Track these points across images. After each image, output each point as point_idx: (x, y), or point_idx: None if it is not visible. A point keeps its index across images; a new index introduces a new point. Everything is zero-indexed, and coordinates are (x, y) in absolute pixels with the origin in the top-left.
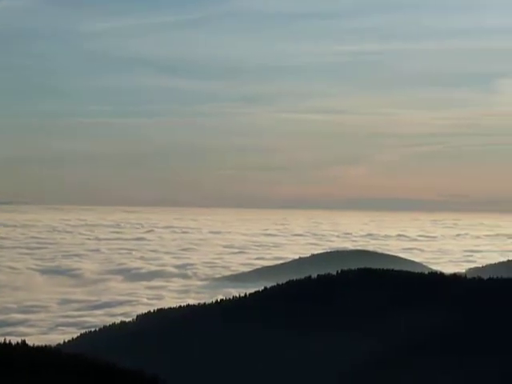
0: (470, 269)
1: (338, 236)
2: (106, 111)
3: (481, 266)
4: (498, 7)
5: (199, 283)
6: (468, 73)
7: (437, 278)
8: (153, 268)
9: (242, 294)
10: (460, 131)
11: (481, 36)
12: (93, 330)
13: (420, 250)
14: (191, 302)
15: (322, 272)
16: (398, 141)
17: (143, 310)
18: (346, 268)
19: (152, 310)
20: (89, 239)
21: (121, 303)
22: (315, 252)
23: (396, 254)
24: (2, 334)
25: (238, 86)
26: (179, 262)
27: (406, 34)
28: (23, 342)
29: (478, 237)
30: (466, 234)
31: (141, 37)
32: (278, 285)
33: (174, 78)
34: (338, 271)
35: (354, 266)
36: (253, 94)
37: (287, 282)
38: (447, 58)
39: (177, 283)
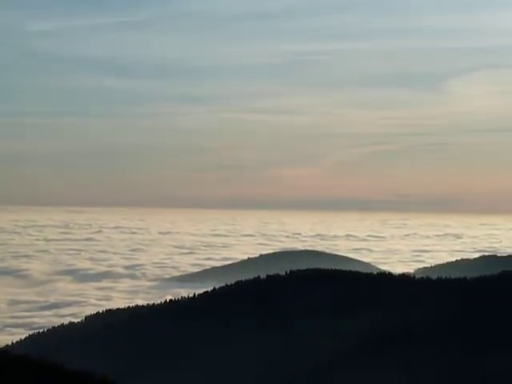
0: (419, 269)
1: (287, 236)
2: (48, 111)
3: (429, 265)
4: (443, 8)
5: (148, 284)
6: (416, 73)
7: (385, 277)
8: (102, 268)
9: (191, 295)
10: (408, 131)
11: (429, 36)
12: (41, 330)
13: (369, 250)
14: (140, 302)
15: (271, 272)
16: (346, 141)
17: (92, 310)
18: (294, 268)
19: (101, 311)
20: (38, 240)
21: (69, 304)
22: (264, 252)
23: (345, 254)
24: None
25: (182, 86)
26: (128, 263)
27: (353, 34)
28: None
29: (426, 237)
30: (415, 233)
31: (83, 37)
32: (226, 285)
33: (116, 78)
34: (286, 271)
35: (302, 266)
36: (198, 95)
37: (236, 283)
38: (394, 58)
39: (126, 284)
